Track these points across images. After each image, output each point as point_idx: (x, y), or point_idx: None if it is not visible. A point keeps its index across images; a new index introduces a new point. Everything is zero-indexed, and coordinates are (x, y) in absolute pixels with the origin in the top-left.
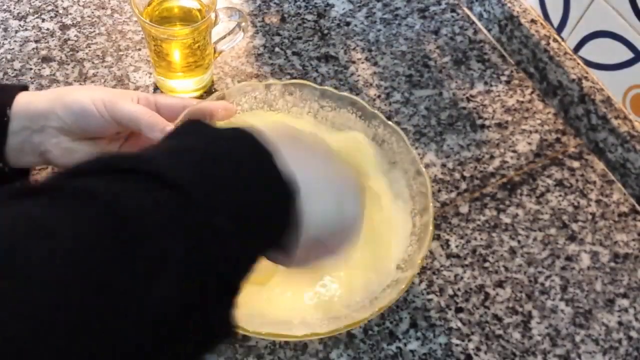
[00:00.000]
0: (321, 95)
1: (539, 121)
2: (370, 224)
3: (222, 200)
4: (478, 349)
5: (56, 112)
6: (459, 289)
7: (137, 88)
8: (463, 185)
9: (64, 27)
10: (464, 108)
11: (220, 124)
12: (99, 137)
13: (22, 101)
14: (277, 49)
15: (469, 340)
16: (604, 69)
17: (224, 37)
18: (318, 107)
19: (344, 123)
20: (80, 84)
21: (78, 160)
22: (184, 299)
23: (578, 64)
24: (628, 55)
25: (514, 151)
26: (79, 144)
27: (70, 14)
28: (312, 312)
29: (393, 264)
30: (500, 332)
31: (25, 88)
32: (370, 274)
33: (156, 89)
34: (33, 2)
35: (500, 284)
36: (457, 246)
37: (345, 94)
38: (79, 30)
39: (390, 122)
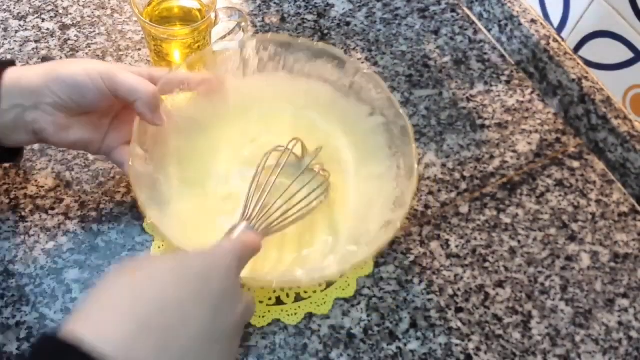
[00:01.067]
0: (296, 48)
1: (539, 121)
2: (350, 188)
3: None
4: (478, 349)
5: (50, 88)
6: (459, 289)
7: None
8: (463, 185)
9: (64, 27)
10: (464, 108)
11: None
12: (92, 111)
13: (12, 77)
14: None
15: (469, 340)
16: (604, 69)
17: (224, 37)
18: (293, 62)
19: (320, 75)
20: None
21: (73, 138)
22: None
23: (578, 64)
24: (628, 55)
25: (514, 151)
26: (73, 119)
27: (70, 14)
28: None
29: (381, 212)
30: (500, 332)
31: (12, 63)
32: (358, 225)
33: None
34: (33, 2)
35: (500, 284)
36: (457, 246)
37: (321, 44)
38: (79, 30)
39: (365, 70)
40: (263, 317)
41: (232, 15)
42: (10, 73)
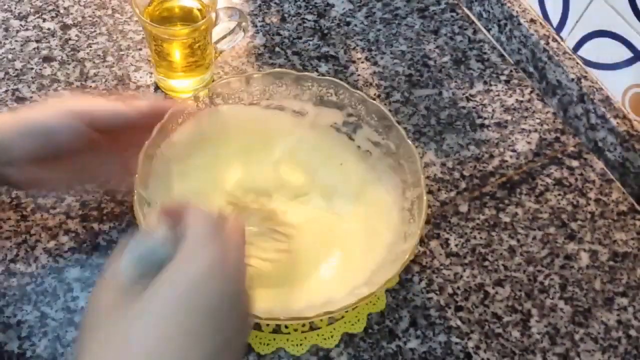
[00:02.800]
0: (300, 79)
1: (538, 120)
2: (359, 215)
3: None
4: (477, 347)
5: (19, 142)
6: (458, 288)
7: (138, 88)
8: (462, 185)
9: (65, 27)
10: (464, 107)
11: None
12: (70, 154)
13: None
14: (277, 49)
15: (469, 339)
16: (603, 68)
17: (225, 37)
18: (298, 91)
19: (325, 100)
20: (82, 84)
21: (50, 187)
22: None
23: (577, 63)
24: (627, 54)
25: (514, 150)
26: (48, 170)
27: (71, 13)
28: (318, 296)
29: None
30: (500, 330)
31: None
32: (367, 259)
33: (157, 89)
34: (34, 2)
35: (499, 283)
36: (456, 245)
37: (326, 77)
38: (79, 30)
39: (370, 100)
40: (267, 345)
41: (232, 15)
42: None
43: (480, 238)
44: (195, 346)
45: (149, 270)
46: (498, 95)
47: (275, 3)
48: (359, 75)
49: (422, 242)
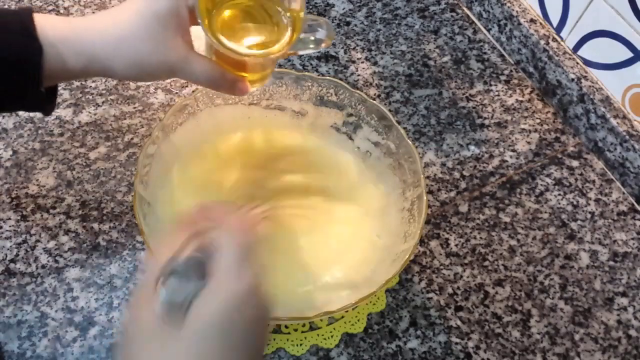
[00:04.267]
0: (300, 79)
1: (538, 120)
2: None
3: None
4: (477, 347)
5: (114, 62)
6: (458, 288)
7: (138, 87)
8: (462, 185)
9: None
10: (464, 107)
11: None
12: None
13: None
14: None
15: (469, 339)
16: (603, 68)
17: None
18: (299, 90)
19: (325, 100)
20: (82, 84)
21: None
22: None
23: (577, 63)
24: (627, 54)
25: (514, 150)
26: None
27: (72, 14)
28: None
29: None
30: (500, 330)
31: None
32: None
33: (158, 88)
34: (34, 1)
35: (499, 283)
36: (456, 245)
37: (326, 77)
38: None
39: (370, 100)
40: (267, 344)
41: (315, 30)
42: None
43: (480, 238)
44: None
45: (181, 299)
46: (498, 95)
47: None
48: (359, 75)
49: (422, 242)
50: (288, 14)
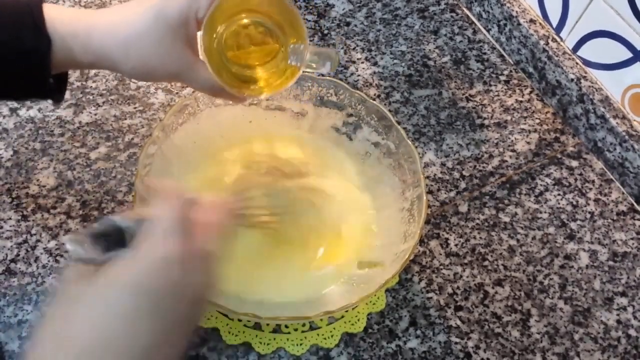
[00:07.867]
0: (300, 79)
1: (537, 120)
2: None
3: None
4: (477, 347)
5: (125, 60)
6: (458, 288)
7: (138, 87)
8: (462, 185)
9: None
10: (463, 107)
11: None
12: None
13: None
14: None
15: (468, 339)
16: (603, 68)
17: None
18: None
19: (325, 100)
20: (82, 84)
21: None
22: None
23: (577, 63)
24: (627, 54)
25: (513, 150)
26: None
27: None
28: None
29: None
30: (500, 330)
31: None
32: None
33: (158, 89)
34: None
35: (499, 283)
36: (456, 245)
37: (326, 77)
38: None
39: (369, 100)
40: (267, 344)
41: (321, 61)
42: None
43: (480, 238)
44: (141, 323)
45: (112, 247)
46: (498, 95)
47: None
48: (359, 75)
49: (422, 242)
50: (292, 45)
